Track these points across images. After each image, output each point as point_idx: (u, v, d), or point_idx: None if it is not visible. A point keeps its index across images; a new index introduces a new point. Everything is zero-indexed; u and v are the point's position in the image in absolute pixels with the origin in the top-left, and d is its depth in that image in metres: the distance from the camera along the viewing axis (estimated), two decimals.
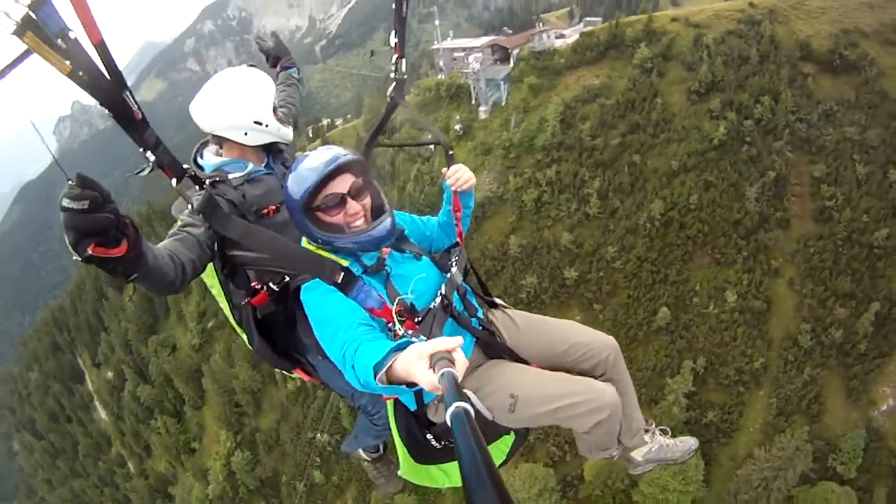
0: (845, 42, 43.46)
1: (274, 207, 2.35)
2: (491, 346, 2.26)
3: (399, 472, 2.50)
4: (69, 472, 59.90)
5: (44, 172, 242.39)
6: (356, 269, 2.00)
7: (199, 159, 2.50)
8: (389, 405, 2.29)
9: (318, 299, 1.92)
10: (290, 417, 44.11)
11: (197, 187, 1.85)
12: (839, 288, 36.14)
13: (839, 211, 37.72)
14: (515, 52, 47.19)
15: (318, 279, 1.93)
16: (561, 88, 44.78)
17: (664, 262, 36.97)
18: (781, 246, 37.88)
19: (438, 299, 2.08)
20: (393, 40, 2.58)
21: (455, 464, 2.19)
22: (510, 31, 56.97)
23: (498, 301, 2.57)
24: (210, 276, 2.45)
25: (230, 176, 2.38)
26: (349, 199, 1.97)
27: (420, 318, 1.99)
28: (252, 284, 2.28)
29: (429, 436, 2.24)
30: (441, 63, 50.68)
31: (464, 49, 49.70)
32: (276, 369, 2.82)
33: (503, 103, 46.07)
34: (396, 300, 1.94)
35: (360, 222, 2.01)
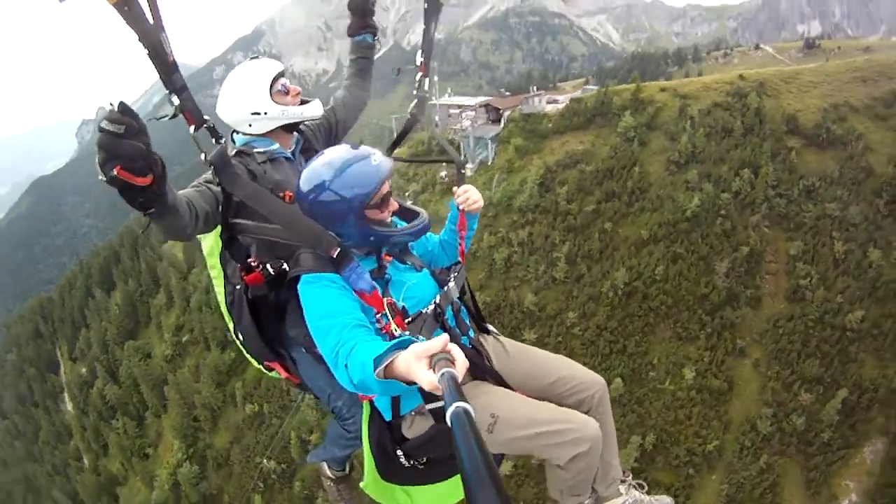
0: (834, 116, 43.33)
1: (290, 195, 2.34)
2: (477, 367, 2.24)
3: (361, 485, 2.47)
4: (25, 455, 61.47)
5: (58, 170, 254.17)
6: None
7: (234, 136, 2.62)
8: (365, 412, 2.30)
9: (316, 292, 1.91)
10: (243, 440, 44.85)
11: (213, 140, 1.88)
12: (806, 372, 35.17)
13: (813, 291, 36.98)
14: (507, 113, 48.58)
15: (319, 273, 1.92)
16: (545, 152, 45.55)
17: (623, 332, 36.56)
18: (750, 325, 37.22)
19: (431, 307, 2.10)
20: (419, 59, 2.67)
21: (418, 489, 2.37)
22: (507, 93, 58.63)
23: (490, 328, 2.57)
24: (212, 256, 2.56)
25: (256, 150, 2.49)
26: (387, 204, 2.07)
27: (410, 320, 1.99)
28: (249, 260, 2.29)
29: (399, 452, 2.20)
30: (437, 118, 52.61)
31: (459, 106, 51.42)
32: (255, 360, 2.75)
33: (489, 162, 47.05)
34: (388, 298, 1.96)
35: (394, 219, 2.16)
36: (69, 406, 60.69)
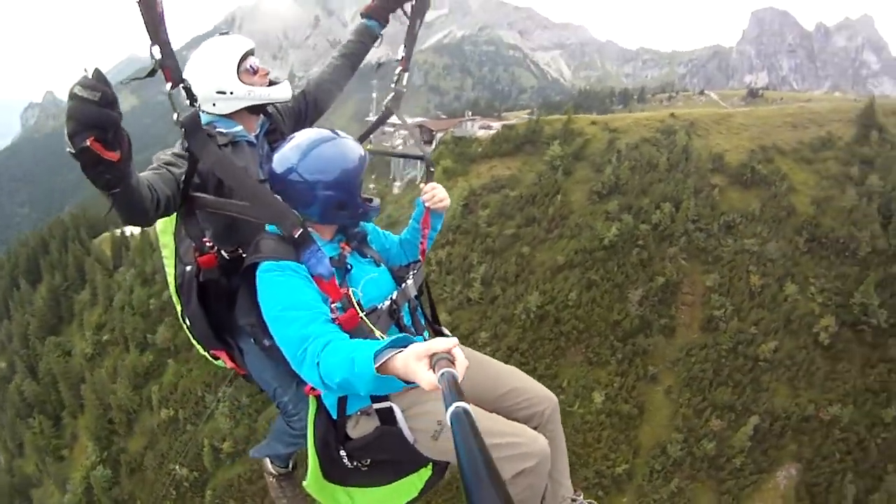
0: (761, 157, 44.91)
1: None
2: None
3: (304, 484, 2.37)
4: None
5: None
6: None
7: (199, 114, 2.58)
8: (311, 409, 2.23)
9: (278, 281, 1.82)
10: (157, 446, 43.50)
11: (188, 103, 1.80)
12: (718, 399, 34.99)
13: (727, 321, 37.25)
14: (440, 135, 49.91)
15: (282, 261, 1.84)
16: (472, 175, 46.68)
17: (534, 354, 36.37)
18: (662, 353, 37.17)
19: (387, 303, 2.05)
20: (401, 54, 2.70)
21: (360, 490, 2.30)
22: (444, 116, 60.20)
23: (445, 330, 2.48)
24: (166, 234, 2.46)
25: (217, 130, 2.38)
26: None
27: (364, 314, 1.92)
28: (204, 240, 2.19)
29: (342, 452, 2.14)
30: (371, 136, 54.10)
31: (393, 125, 52.73)
32: (200, 346, 2.63)
33: (418, 181, 48.05)
34: (345, 288, 1.91)
35: None
36: None
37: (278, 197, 1.89)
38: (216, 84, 2.34)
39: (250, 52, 2.41)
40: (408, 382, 1.33)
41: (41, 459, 50.26)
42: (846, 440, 34.36)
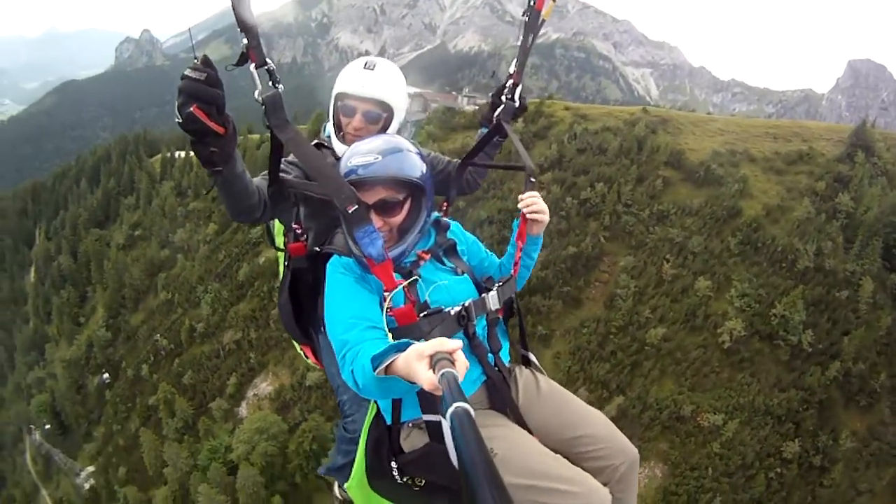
0: (724, 161, 44.29)
1: None
2: (498, 394, 1.99)
3: (345, 485, 2.30)
4: None
5: (90, 79, 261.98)
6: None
7: (324, 128, 2.59)
8: (370, 413, 2.11)
9: (338, 280, 1.84)
10: (151, 322, 54.71)
11: (270, 83, 1.80)
12: (594, 372, 36.13)
13: (624, 300, 38.00)
14: (434, 105, 53.88)
15: (346, 258, 1.86)
16: (448, 142, 50.23)
17: None
18: (561, 319, 38.63)
19: (458, 308, 1.87)
20: (513, 67, 2.64)
21: None
22: (448, 89, 64.08)
23: (532, 358, 2.29)
24: (280, 236, 2.54)
25: (335, 145, 2.45)
26: (371, 214, 1.85)
27: (426, 314, 1.80)
28: (294, 226, 2.26)
29: (393, 464, 1.97)
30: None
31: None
32: (289, 335, 2.65)
33: None
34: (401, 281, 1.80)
35: (384, 236, 1.87)
36: (32, 276, 72.49)
37: (340, 174, 1.81)
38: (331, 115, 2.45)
39: (359, 99, 2.38)
40: (411, 384, 1.27)
41: (62, 322, 61.94)
42: (726, 459, 33.14)
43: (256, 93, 1.76)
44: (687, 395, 35.09)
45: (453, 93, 67.91)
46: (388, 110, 2.44)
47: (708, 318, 37.10)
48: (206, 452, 40.53)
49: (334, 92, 2.42)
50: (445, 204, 2.71)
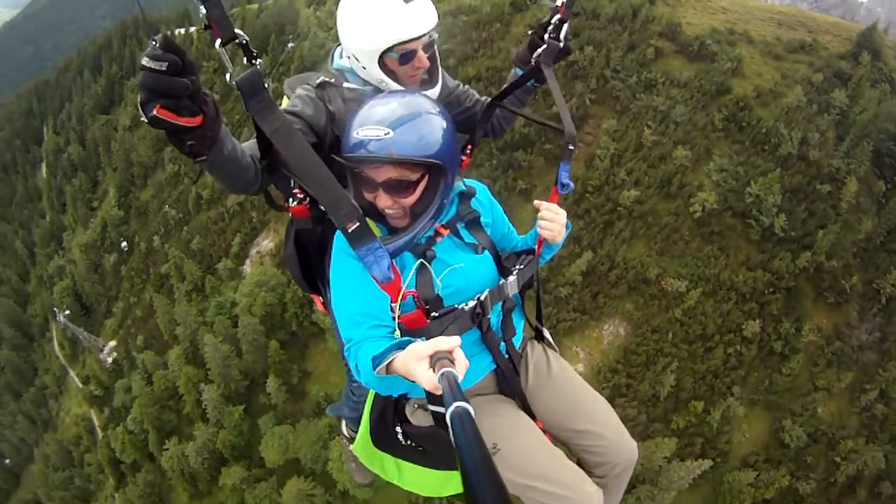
0: (721, 39, 43.31)
1: None
2: (506, 383, 1.99)
3: (351, 447, 2.33)
4: None
5: None
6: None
7: (333, 57, 2.27)
8: None
9: (343, 262, 1.72)
10: (160, 196, 57.69)
11: (246, 60, 1.50)
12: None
13: (602, 160, 39.18)
14: None
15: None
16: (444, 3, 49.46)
17: None
18: (542, 176, 39.33)
19: (472, 303, 1.78)
20: (560, 0, 2.20)
21: (411, 466, 2.18)
22: None
23: (546, 333, 2.24)
24: (279, 198, 2.34)
25: (345, 85, 2.15)
26: (380, 191, 1.70)
27: (438, 315, 1.70)
28: (295, 191, 2.07)
29: (398, 429, 2.04)
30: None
31: None
32: (298, 287, 2.53)
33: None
34: (408, 281, 1.68)
35: (394, 213, 1.74)
36: (43, 172, 75.27)
37: (336, 181, 1.55)
38: (356, 45, 2.05)
39: (417, 39, 2.03)
40: (414, 382, 1.24)
41: (76, 209, 64.94)
42: (687, 326, 34.35)
43: (227, 76, 1.46)
44: (655, 259, 36.42)
45: None
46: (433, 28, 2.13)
47: (683, 187, 38.04)
48: (213, 308, 44.01)
49: (379, 45, 2.01)
50: (470, 146, 2.42)
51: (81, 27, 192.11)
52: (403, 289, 1.62)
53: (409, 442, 2.06)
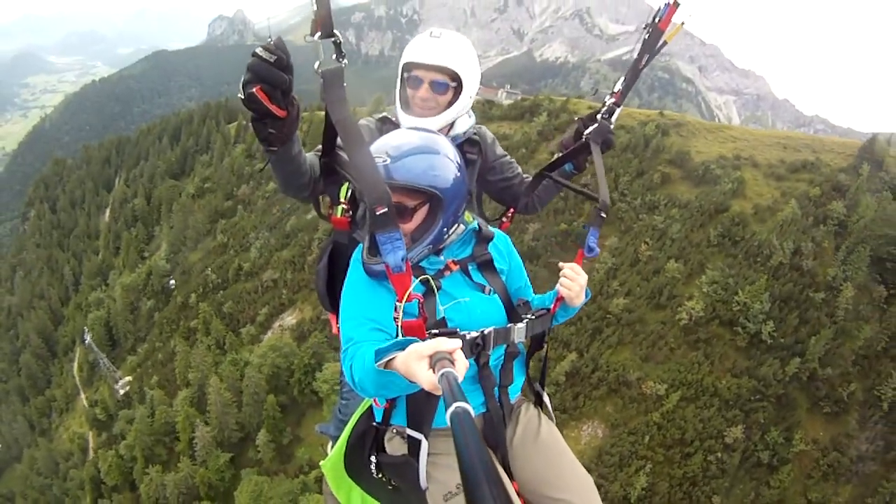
0: (728, 164, 45.85)
1: None
2: (492, 430, 1.92)
3: (321, 462, 2.30)
4: (53, 244, 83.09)
5: (180, 51, 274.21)
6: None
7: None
8: (364, 403, 2.14)
9: (356, 271, 1.82)
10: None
11: (334, 57, 1.67)
12: (560, 333, 38.53)
13: (598, 272, 41.54)
14: (476, 96, 59.71)
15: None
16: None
17: None
18: (544, 287, 40.30)
19: (475, 333, 1.75)
20: (618, 86, 2.49)
21: None
22: (495, 84, 70.24)
23: (546, 399, 2.19)
24: (326, 206, 2.42)
25: (400, 118, 2.42)
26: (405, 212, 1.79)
27: (437, 332, 1.65)
28: (342, 202, 2.16)
29: (373, 458, 1.98)
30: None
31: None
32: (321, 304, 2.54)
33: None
34: (414, 285, 1.65)
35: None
36: (107, 217, 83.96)
37: (379, 171, 1.62)
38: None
39: (425, 68, 2.28)
40: (412, 382, 1.25)
41: (128, 254, 72.63)
42: (665, 430, 33.95)
43: (316, 64, 1.58)
44: (638, 364, 36.87)
45: (494, 84, 73.61)
46: (457, 80, 2.33)
47: (673, 298, 39.06)
48: (227, 363, 47.12)
49: (401, 63, 2.33)
50: (512, 210, 2.69)
51: (169, 102, 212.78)
52: (412, 287, 1.60)
53: (380, 475, 2.00)
